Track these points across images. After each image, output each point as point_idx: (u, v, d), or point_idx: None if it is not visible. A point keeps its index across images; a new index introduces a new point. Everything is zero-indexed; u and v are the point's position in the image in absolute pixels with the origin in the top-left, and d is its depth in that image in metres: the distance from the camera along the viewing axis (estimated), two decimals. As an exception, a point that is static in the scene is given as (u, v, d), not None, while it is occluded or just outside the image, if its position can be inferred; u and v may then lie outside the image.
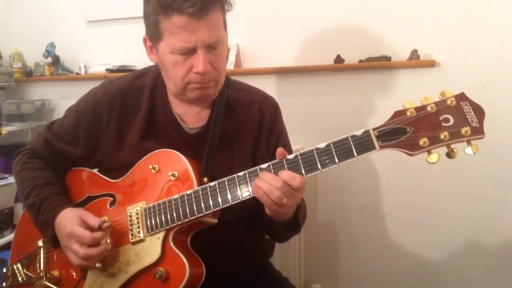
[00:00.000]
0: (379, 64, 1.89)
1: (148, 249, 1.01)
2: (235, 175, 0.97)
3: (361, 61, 1.93)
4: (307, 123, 2.04)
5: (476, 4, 1.78)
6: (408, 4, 1.88)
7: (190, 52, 1.01)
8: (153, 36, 1.05)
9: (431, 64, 1.84)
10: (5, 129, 2.17)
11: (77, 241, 1.01)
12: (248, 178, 0.95)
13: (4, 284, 1.23)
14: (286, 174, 0.90)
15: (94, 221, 1.04)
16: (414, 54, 1.84)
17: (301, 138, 2.00)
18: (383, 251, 2.03)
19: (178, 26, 0.98)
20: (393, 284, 2.04)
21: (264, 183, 0.91)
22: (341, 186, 2.04)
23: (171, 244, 1.00)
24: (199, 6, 0.95)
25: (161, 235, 1.01)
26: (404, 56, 1.87)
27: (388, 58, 1.89)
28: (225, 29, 1.08)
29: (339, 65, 1.95)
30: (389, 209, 2.01)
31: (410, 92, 1.89)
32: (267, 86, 1.97)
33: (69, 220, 1.05)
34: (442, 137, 0.83)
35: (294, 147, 1.29)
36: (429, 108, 0.84)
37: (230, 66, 2.03)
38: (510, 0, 1.75)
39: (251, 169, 0.96)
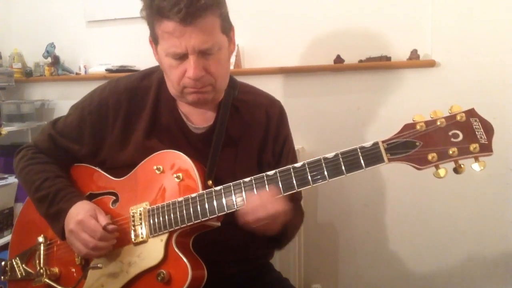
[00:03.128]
0: (379, 64, 1.89)
1: (151, 251, 1.01)
2: (241, 180, 0.97)
3: (361, 61, 1.93)
4: (307, 123, 2.04)
5: (476, 4, 1.78)
6: (408, 4, 1.88)
7: (182, 57, 1.00)
8: (153, 38, 1.06)
9: (431, 64, 1.84)
10: (5, 129, 2.17)
11: (87, 232, 1.02)
12: (254, 185, 0.96)
13: (2, 278, 1.22)
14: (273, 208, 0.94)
15: (103, 219, 1.04)
16: (414, 54, 1.84)
17: (301, 138, 2.01)
18: (383, 251, 2.03)
19: (167, 32, 0.98)
20: (393, 284, 2.04)
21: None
22: (341, 186, 2.04)
23: (174, 247, 1.00)
24: (184, 13, 0.93)
25: (164, 237, 1.01)
26: (404, 56, 1.87)
27: (388, 58, 1.88)
28: (225, 32, 1.05)
29: (339, 65, 1.95)
30: (389, 209, 2.01)
31: (410, 92, 1.90)
32: (267, 86, 1.96)
33: (83, 209, 1.06)
34: (450, 152, 0.83)
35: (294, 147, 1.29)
36: (438, 123, 0.84)
37: (230, 66, 2.03)
38: (510, 0, 1.75)
39: (257, 175, 0.96)
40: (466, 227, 1.90)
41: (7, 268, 1.22)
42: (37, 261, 1.15)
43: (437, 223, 1.94)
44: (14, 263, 1.21)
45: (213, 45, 1.00)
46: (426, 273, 1.98)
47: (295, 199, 1.23)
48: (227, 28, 1.06)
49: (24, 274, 1.18)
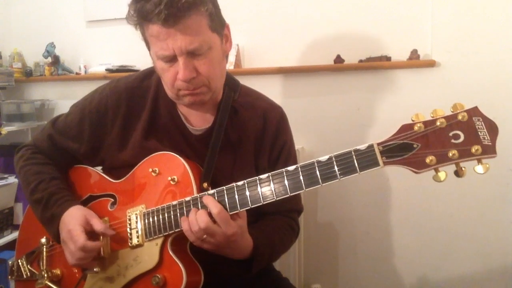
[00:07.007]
0: (379, 64, 1.89)
1: (147, 255, 1.01)
2: (234, 184, 0.96)
3: (361, 61, 1.93)
4: (307, 123, 2.04)
5: (476, 4, 1.78)
6: (408, 4, 1.87)
7: (172, 59, 0.99)
8: (145, 43, 1.05)
9: (431, 64, 1.83)
10: (5, 129, 2.17)
11: (72, 241, 1.02)
12: (247, 188, 0.94)
13: (9, 277, 1.23)
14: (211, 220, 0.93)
15: (98, 225, 1.04)
16: (414, 54, 1.83)
17: (301, 138, 2.00)
18: (383, 251, 2.03)
19: (153, 35, 0.97)
20: (392, 284, 2.04)
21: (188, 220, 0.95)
22: (341, 186, 2.03)
23: (169, 251, 0.99)
24: (165, 14, 0.91)
25: (159, 241, 1.01)
26: (404, 56, 1.86)
27: (388, 58, 1.88)
28: (216, 30, 1.02)
29: (339, 65, 1.94)
30: (389, 209, 2.00)
31: (410, 92, 1.89)
32: (267, 86, 1.97)
33: (73, 217, 1.05)
34: (450, 155, 0.78)
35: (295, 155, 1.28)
36: (438, 123, 0.79)
37: (230, 66, 2.03)
38: (510, 0, 1.75)
39: (250, 179, 0.95)
40: (466, 227, 1.89)
41: (13, 268, 1.23)
42: (40, 263, 1.15)
43: (437, 224, 1.93)
44: (20, 263, 1.22)
45: (202, 45, 0.98)
46: (426, 274, 1.98)
47: (289, 210, 1.23)
48: (218, 26, 1.03)
49: (29, 274, 1.19)
